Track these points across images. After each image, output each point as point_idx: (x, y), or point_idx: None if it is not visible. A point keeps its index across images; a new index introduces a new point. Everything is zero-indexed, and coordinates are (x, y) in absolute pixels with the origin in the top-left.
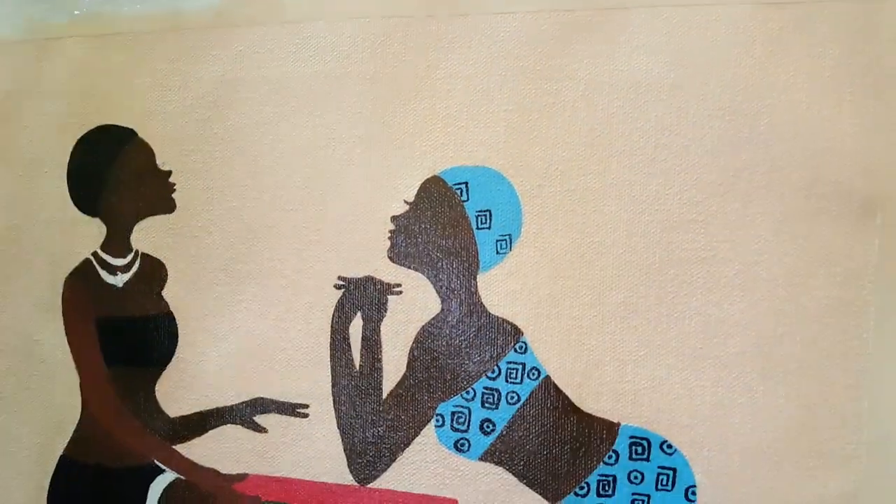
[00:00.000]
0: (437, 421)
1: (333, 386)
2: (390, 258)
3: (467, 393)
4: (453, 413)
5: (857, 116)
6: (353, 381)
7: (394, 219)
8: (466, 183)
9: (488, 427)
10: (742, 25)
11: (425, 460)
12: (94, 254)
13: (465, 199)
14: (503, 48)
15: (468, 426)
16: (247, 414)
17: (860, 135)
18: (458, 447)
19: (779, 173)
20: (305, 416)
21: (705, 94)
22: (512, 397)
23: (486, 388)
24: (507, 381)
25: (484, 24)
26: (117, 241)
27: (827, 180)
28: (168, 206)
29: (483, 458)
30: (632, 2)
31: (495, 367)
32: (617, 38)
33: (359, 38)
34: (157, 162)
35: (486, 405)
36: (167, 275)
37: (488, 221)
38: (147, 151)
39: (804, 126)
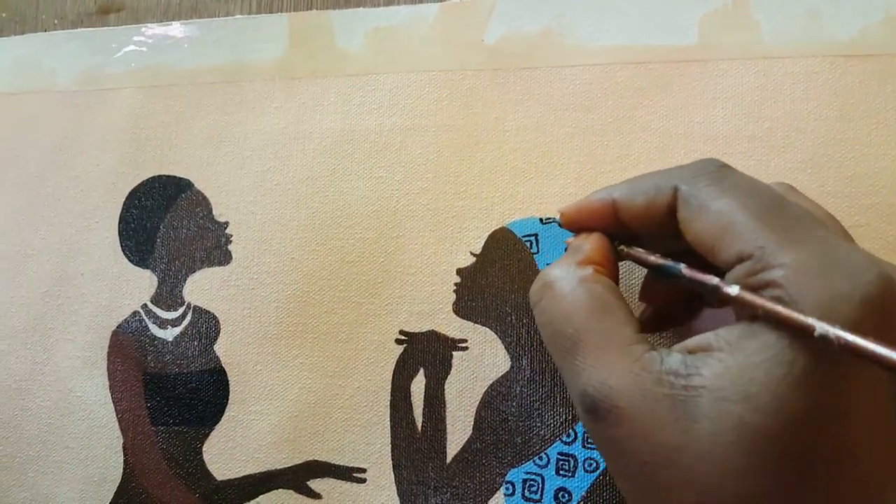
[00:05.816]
0: (507, 489)
1: (393, 448)
2: (455, 312)
3: (540, 459)
4: (525, 480)
5: None
6: (415, 444)
7: (459, 271)
8: (536, 235)
9: (564, 497)
10: (821, 78)
11: None
12: (144, 306)
13: (535, 251)
14: (574, 100)
15: (541, 495)
16: (299, 478)
17: None
18: None
19: (865, 227)
20: (363, 480)
21: (786, 146)
22: (590, 464)
23: (560, 453)
24: (584, 446)
25: (554, 76)
26: (168, 294)
27: None
28: (223, 258)
29: None
30: (707, 54)
31: (571, 431)
32: (692, 91)
33: (424, 90)
34: (214, 213)
35: (562, 472)
36: (220, 329)
37: None
38: (203, 202)
39: (889, 179)
